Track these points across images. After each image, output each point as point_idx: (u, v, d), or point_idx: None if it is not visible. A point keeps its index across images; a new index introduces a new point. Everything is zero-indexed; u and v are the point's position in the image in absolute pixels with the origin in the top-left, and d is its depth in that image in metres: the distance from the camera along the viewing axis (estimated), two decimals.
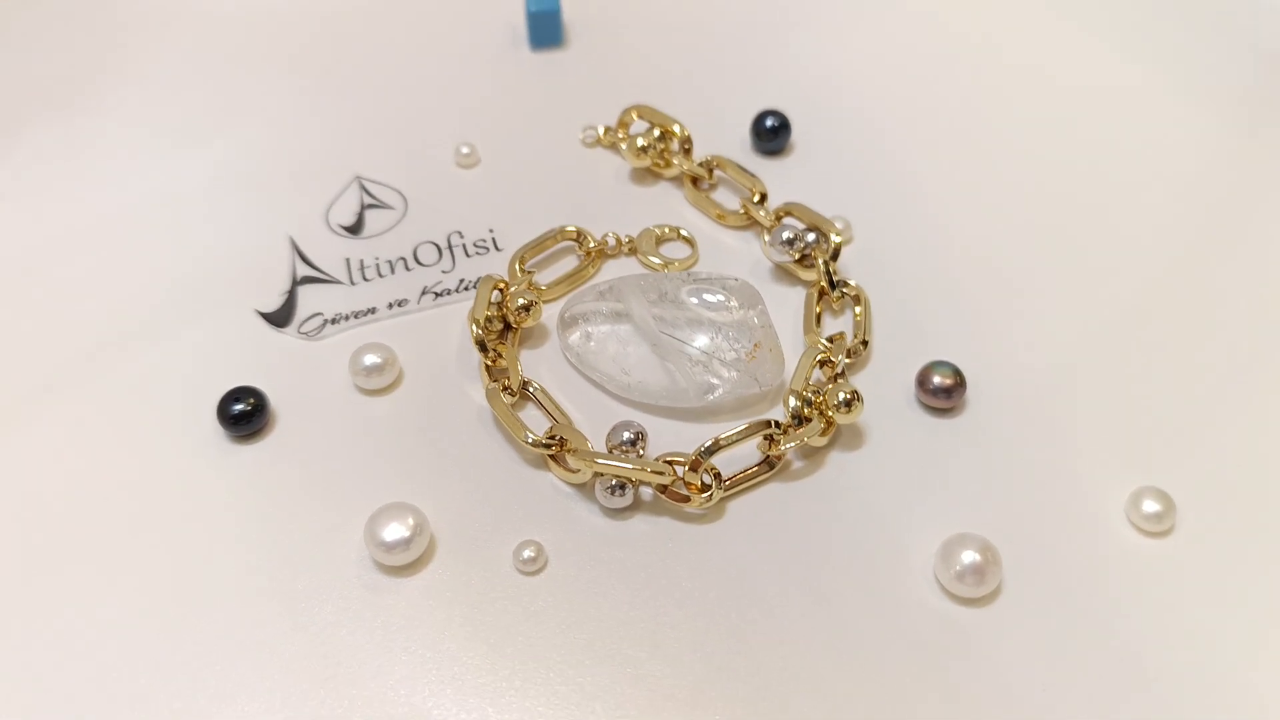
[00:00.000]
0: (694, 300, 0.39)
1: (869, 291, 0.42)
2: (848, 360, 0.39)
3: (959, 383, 0.39)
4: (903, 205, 0.45)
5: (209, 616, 0.34)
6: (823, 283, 0.41)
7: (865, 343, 0.40)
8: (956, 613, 0.34)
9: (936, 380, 0.39)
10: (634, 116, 0.46)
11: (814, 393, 0.37)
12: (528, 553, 0.35)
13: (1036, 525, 0.36)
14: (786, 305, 0.42)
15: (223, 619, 0.34)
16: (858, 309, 0.41)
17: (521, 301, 0.40)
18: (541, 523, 0.36)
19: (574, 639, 0.34)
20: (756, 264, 0.43)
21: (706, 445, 0.36)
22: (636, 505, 0.37)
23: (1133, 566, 0.35)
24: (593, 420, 0.38)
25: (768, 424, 0.37)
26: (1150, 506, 0.36)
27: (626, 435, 0.37)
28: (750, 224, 0.44)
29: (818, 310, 0.41)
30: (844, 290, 0.41)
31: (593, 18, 0.54)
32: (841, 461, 0.38)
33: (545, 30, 0.51)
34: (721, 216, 0.45)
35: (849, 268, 0.43)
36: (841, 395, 0.37)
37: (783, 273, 0.43)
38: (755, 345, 0.39)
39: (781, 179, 0.46)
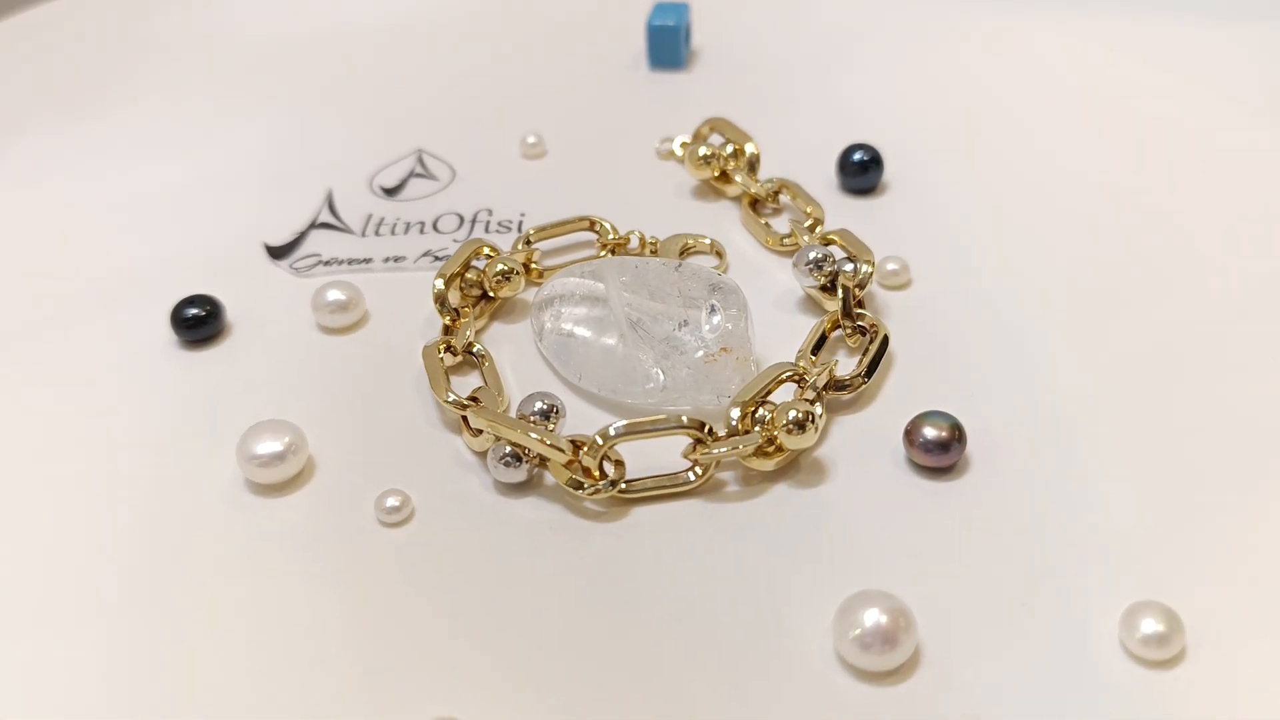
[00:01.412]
0: (673, 291, 0.35)
1: (906, 340, 0.36)
2: (838, 393, 0.34)
3: (955, 438, 0.32)
4: (980, 259, 0.39)
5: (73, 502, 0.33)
6: (839, 312, 0.36)
7: (863, 378, 0.34)
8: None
9: (928, 433, 0.32)
10: (709, 130, 0.43)
11: (768, 407, 0.32)
12: (391, 501, 0.31)
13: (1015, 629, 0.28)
14: (801, 336, 0.36)
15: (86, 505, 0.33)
16: (871, 345, 0.35)
17: (500, 268, 0.37)
18: (428, 483, 0.32)
19: (397, 599, 0.30)
20: (787, 292, 0.38)
21: (617, 425, 0.31)
22: (533, 486, 0.32)
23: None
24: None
25: (700, 425, 0.31)
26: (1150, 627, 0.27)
27: (539, 405, 0.32)
28: (796, 250, 0.39)
29: (820, 335, 0.35)
30: (860, 323, 0.36)
31: (720, 47, 0.52)
32: (788, 498, 0.32)
33: (665, 48, 0.49)
34: (769, 241, 0.40)
35: (896, 311, 0.37)
36: (793, 414, 0.31)
37: (812, 305, 0.38)
38: (722, 350, 0.33)
39: (864, 218, 0.41)
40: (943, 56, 0.51)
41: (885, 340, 0.35)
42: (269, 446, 0.32)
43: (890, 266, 0.38)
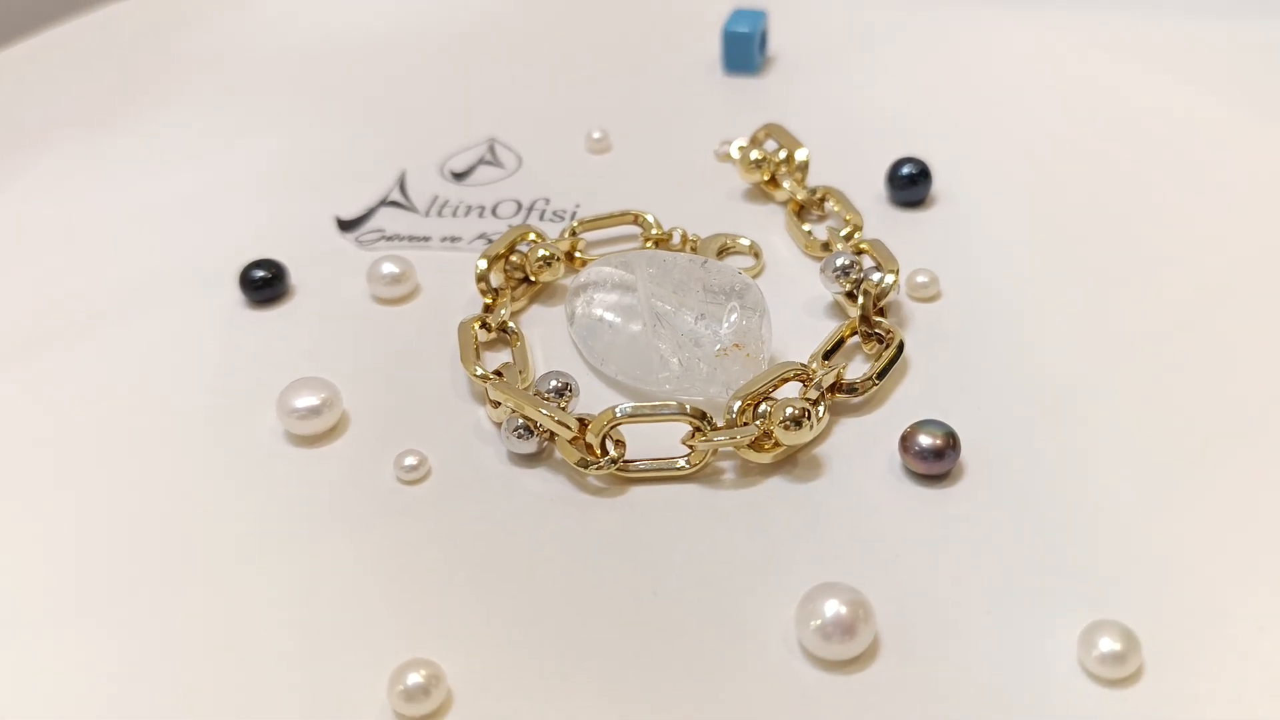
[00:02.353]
0: (697, 286, 0.36)
1: (925, 350, 0.37)
2: (846, 395, 0.35)
3: (950, 446, 0.33)
4: (1014, 278, 0.40)
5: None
6: (857, 319, 0.37)
7: (873, 381, 0.35)
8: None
9: (923, 441, 0.33)
10: (764, 135, 0.44)
11: (770, 403, 0.33)
12: (409, 460, 0.34)
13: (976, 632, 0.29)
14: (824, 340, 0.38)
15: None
16: (885, 352, 0.36)
17: (542, 253, 0.39)
18: (447, 447, 0.35)
19: (404, 549, 0.32)
20: (817, 297, 0.39)
21: (622, 408, 0.33)
22: (543, 459, 0.34)
23: None
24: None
25: (701, 415, 0.33)
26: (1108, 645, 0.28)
27: (554, 383, 0.34)
28: None
29: (838, 340, 0.36)
30: (877, 330, 0.37)
31: (796, 55, 0.53)
32: (780, 491, 0.33)
33: (739, 54, 0.50)
34: (808, 247, 0.41)
35: (921, 322, 0.38)
36: (790, 410, 0.32)
37: (840, 311, 0.39)
38: (735, 345, 0.35)
39: (909, 231, 0.42)
40: (1009, 75, 0.51)
41: (899, 348, 0.36)
42: (306, 401, 0.35)
43: (920, 279, 0.39)
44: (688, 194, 0.45)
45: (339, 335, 0.39)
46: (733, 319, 0.35)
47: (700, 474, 0.34)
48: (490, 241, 0.42)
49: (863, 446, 0.34)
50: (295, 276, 0.41)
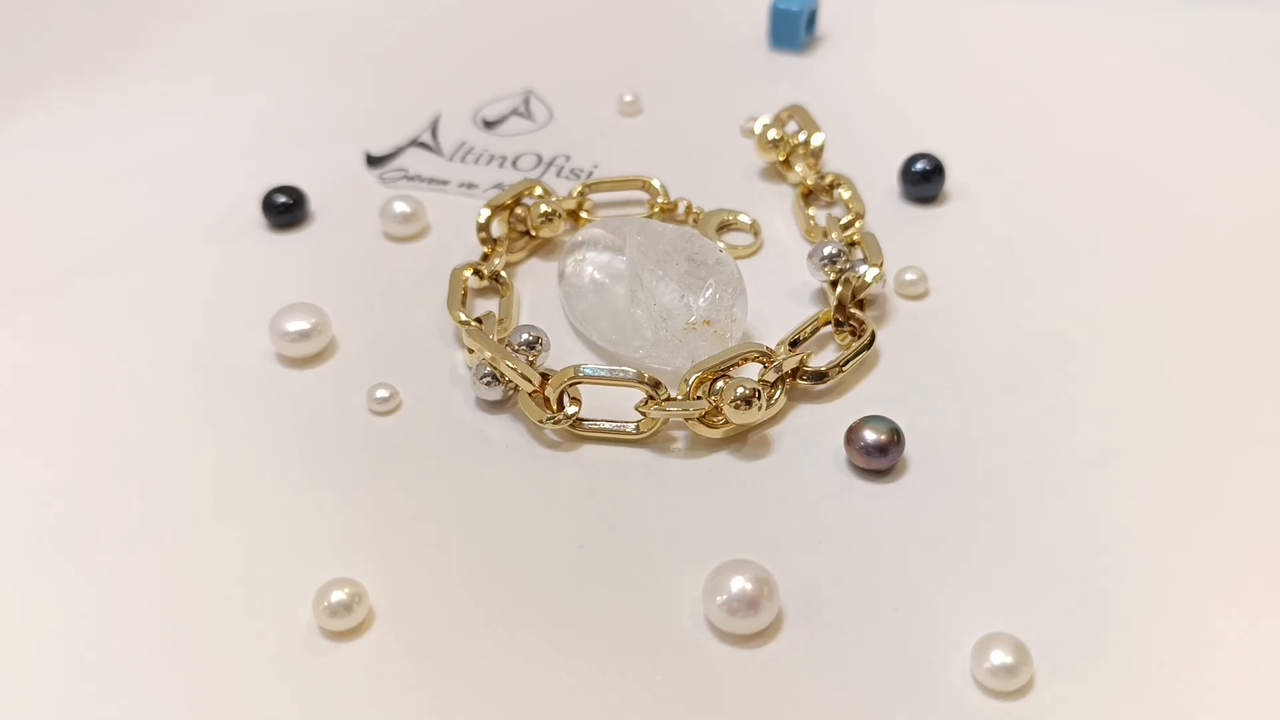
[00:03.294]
0: (681, 259, 0.37)
1: (901, 346, 0.37)
2: (813, 383, 0.36)
3: (894, 442, 0.33)
4: (1006, 280, 0.40)
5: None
6: (832, 308, 0.38)
7: (837, 369, 0.36)
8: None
9: (868, 436, 0.34)
10: (787, 116, 0.45)
11: (726, 380, 0.34)
12: (381, 393, 0.36)
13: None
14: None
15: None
16: (854, 343, 0.37)
17: (545, 209, 0.40)
18: (421, 385, 0.37)
19: (360, 473, 0.34)
20: (805, 284, 0.40)
21: (582, 368, 0.34)
22: (507, 407, 0.36)
23: None
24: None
25: (655, 384, 0.34)
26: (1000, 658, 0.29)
27: (525, 336, 0.36)
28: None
29: (813, 328, 0.37)
30: (851, 323, 0.37)
31: (843, 38, 0.53)
32: (725, 466, 0.34)
33: (785, 31, 0.51)
34: (809, 232, 0.42)
35: (903, 318, 0.39)
36: (741, 390, 0.33)
37: (824, 299, 0.39)
38: (705, 321, 0.36)
39: (916, 226, 0.42)
40: (1050, 78, 0.50)
41: (869, 340, 0.37)
42: (297, 325, 0.37)
43: (909, 276, 0.39)
44: (706, 166, 0.45)
45: (343, 266, 0.41)
46: (707, 294, 0.36)
47: (651, 440, 0.35)
48: (501, 191, 0.44)
49: (815, 434, 0.35)
50: (316, 204, 0.43)
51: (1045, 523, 0.32)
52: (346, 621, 0.30)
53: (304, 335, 0.37)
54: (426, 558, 0.32)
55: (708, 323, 0.36)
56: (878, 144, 0.46)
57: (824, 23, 0.53)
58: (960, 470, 0.34)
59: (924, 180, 0.43)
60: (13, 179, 0.47)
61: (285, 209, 0.42)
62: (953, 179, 0.44)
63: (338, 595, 0.30)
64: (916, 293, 0.40)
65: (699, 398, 0.34)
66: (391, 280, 0.41)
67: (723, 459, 0.35)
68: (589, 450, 0.35)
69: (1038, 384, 0.36)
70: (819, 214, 0.43)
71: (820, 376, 0.36)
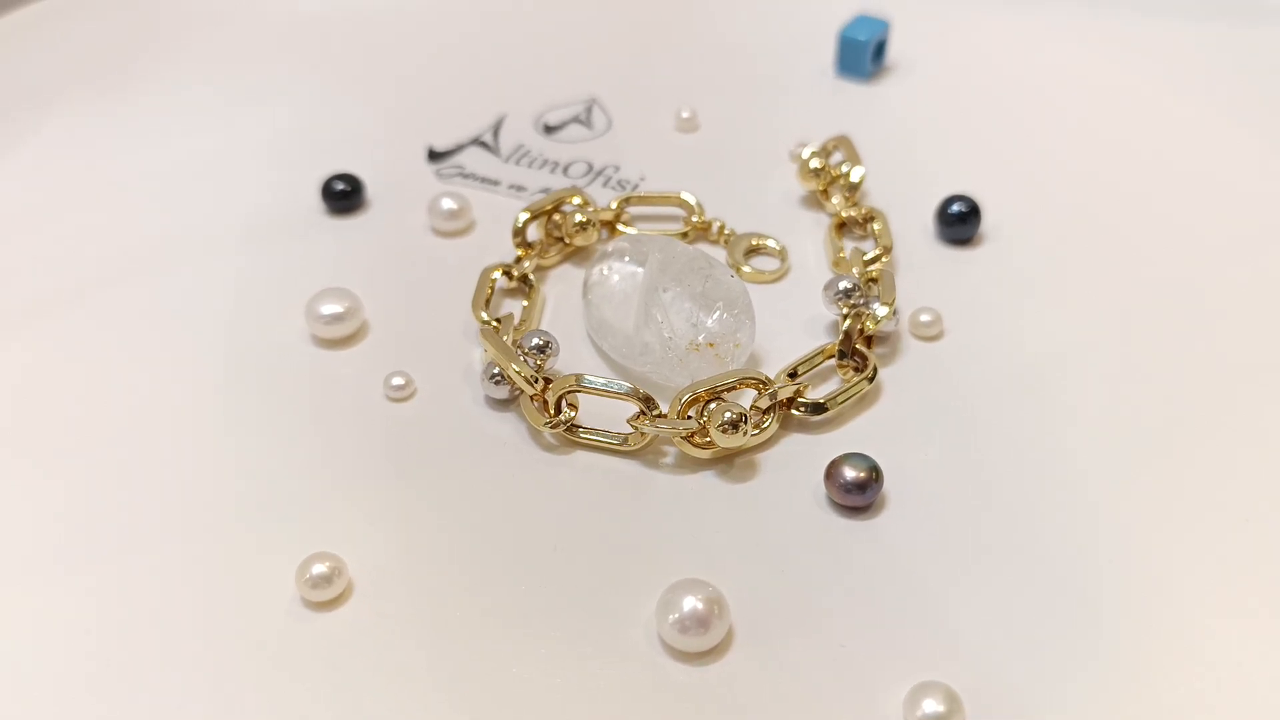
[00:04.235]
0: (697, 280, 0.38)
1: (908, 387, 0.38)
2: (813, 415, 0.36)
3: (872, 480, 0.34)
4: (1027, 328, 0.40)
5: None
6: (837, 342, 0.38)
7: (832, 403, 0.37)
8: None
9: (847, 474, 0.34)
10: (833, 146, 0.46)
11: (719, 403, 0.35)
12: (397, 380, 0.38)
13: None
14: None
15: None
16: (856, 378, 0.37)
17: (580, 218, 0.42)
18: (437, 377, 0.39)
19: (363, 452, 0.36)
20: (822, 315, 0.41)
21: (582, 377, 0.36)
22: (513, 406, 0.38)
23: None
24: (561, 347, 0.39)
25: (648, 400, 0.35)
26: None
27: (536, 341, 0.38)
28: None
29: (813, 360, 0.38)
30: (854, 361, 0.38)
31: (911, 70, 0.53)
32: (708, 487, 0.35)
33: (852, 59, 0.51)
34: (836, 263, 0.43)
35: (915, 359, 0.39)
36: (728, 414, 0.35)
37: (836, 332, 0.40)
38: (709, 344, 0.37)
39: (941, 267, 0.43)
40: (1113, 124, 0.50)
41: (870, 377, 0.37)
42: (330, 308, 0.40)
43: (924, 317, 0.40)
44: (750, 187, 0.46)
45: (387, 255, 0.44)
46: (715, 317, 0.37)
47: (642, 453, 0.36)
48: (543, 196, 0.45)
49: (803, 464, 0.36)
50: (374, 194, 0.46)
51: (1011, 580, 0.33)
52: (328, 592, 0.32)
53: (337, 318, 0.40)
54: (410, 535, 0.34)
55: (711, 345, 0.37)
56: (927, 179, 0.46)
57: (895, 51, 0.53)
58: (938, 516, 0.34)
59: (959, 222, 0.43)
60: (37, 190, 0.48)
61: (342, 195, 0.45)
62: (993, 222, 0.44)
63: (319, 568, 0.32)
64: (931, 334, 0.40)
65: (689, 417, 0.35)
66: (430, 273, 0.43)
67: (707, 479, 0.36)
68: (582, 456, 0.36)
69: (1037, 440, 0.36)
70: (852, 246, 0.43)
71: (819, 408, 0.37)
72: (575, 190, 0.43)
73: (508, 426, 0.37)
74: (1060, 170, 0.47)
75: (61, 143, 0.51)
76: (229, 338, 0.40)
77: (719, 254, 0.43)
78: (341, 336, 0.40)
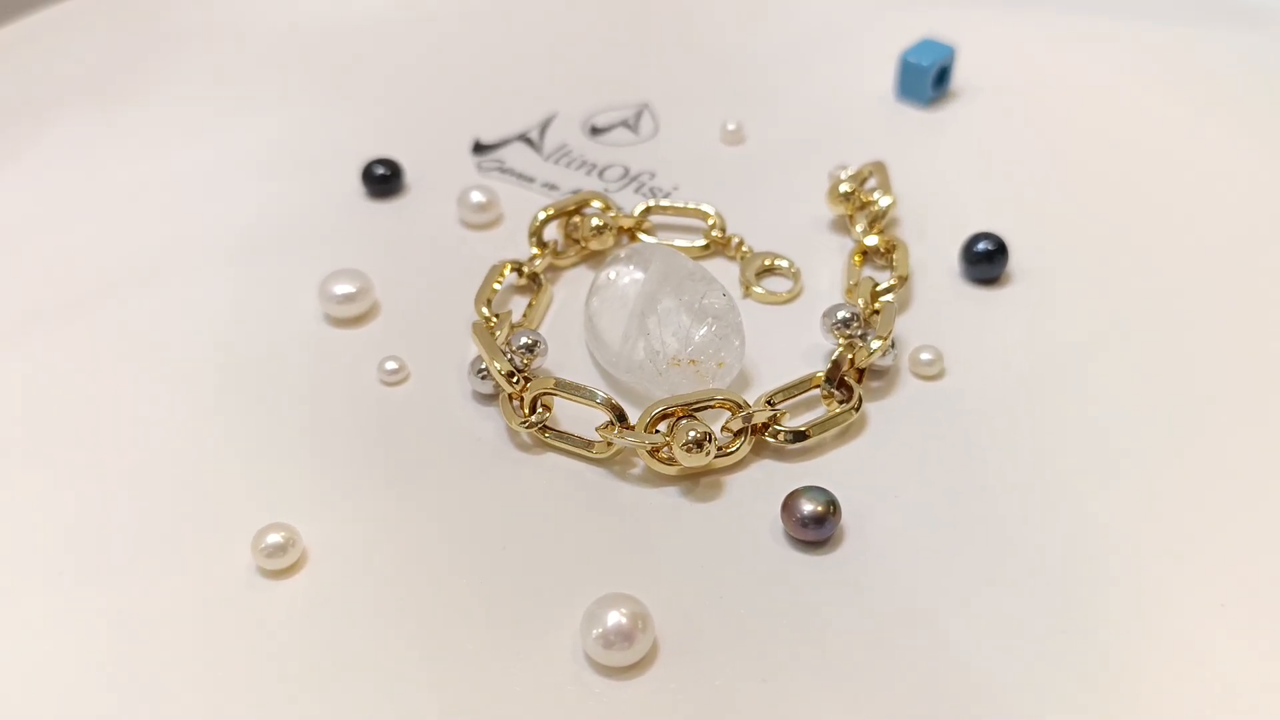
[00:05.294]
0: (695, 296, 0.38)
1: (897, 425, 0.37)
2: (793, 444, 0.36)
3: (830, 514, 0.34)
4: (1033, 375, 0.39)
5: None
6: (824, 372, 0.38)
7: (809, 433, 0.36)
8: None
9: (805, 508, 0.34)
10: (869, 172, 0.45)
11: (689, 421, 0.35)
12: (391, 365, 0.39)
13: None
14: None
15: None
16: (839, 410, 0.37)
17: (597, 222, 0.43)
18: (431, 366, 0.40)
19: (346, 430, 0.38)
20: (821, 343, 0.40)
21: (557, 379, 0.36)
22: (496, 402, 0.38)
23: None
24: (555, 353, 0.40)
25: (616, 408, 0.36)
26: None
27: (524, 340, 0.38)
28: None
29: (802, 388, 0.37)
30: (840, 392, 0.37)
31: (973, 101, 0.52)
32: (668, 504, 0.35)
33: (912, 84, 0.50)
34: (849, 291, 0.42)
35: (909, 398, 0.38)
36: (692, 433, 0.35)
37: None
38: (691, 361, 0.37)
39: (959, 305, 0.42)
40: (1164, 167, 0.48)
41: (854, 407, 0.37)
42: (343, 288, 0.41)
43: (924, 356, 0.39)
44: (782, 206, 0.46)
45: (412, 242, 0.45)
46: (701, 333, 0.37)
47: (611, 461, 0.37)
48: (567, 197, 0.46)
49: (770, 491, 0.35)
50: (413, 180, 0.47)
51: (959, 634, 0.32)
52: (282, 561, 0.34)
53: (348, 298, 0.41)
54: (369, 512, 0.35)
55: (693, 362, 0.37)
56: (967, 213, 0.45)
57: (960, 78, 0.52)
58: (895, 559, 0.34)
59: (984, 261, 0.42)
60: (35, 200, 0.49)
61: (381, 180, 0.46)
62: (1024, 263, 0.43)
63: (273, 538, 0.34)
64: (930, 373, 0.39)
65: (657, 431, 0.36)
66: (450, 263, 0.44)
67: (670, 494, 0.36)
68: (552, 459, 0.37)
69: (1017, 496, 0.35)
70: (872, 275, 0.43)
71: (798, 436, 0.37)
72: (598, 194, 0.43)
73: (490, 422, 0.38)
74: (1104, 221, 0.45)
75: (66, 151, 0.51)
76: (238, 321, 0.42)
77: (734, 270, 0.43)
78: (351, 316, 0.41)
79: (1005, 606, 0.32)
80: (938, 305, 0.42)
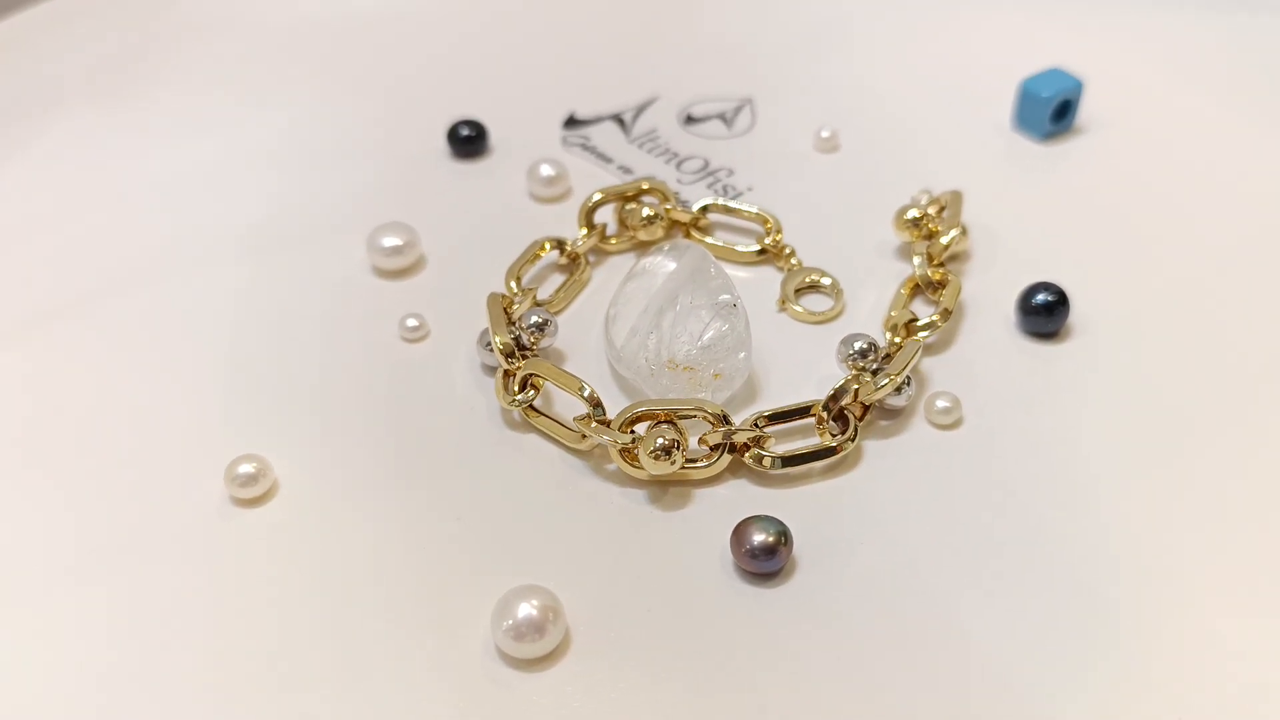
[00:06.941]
0: (709, 301, 0.37)
1: (896, 469, 0.35)
2: (765, 466, 0.35)
3: (780, 544, 0.32)
4: (1059, 430, 0.36)
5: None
6: (822, 403, 0.36)
7: (795, 461, 0.35)
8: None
9: (756, 538, 0.33)
10: (947, 201, 0.42)
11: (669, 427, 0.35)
12: (411, 322, 0.40)
13: None
14: None
15: None
16: (829, 444, 0.35)
17: (648, 212, 0.42)
18: (453, 330, 0.40)
19: (347, 376, 0.39)
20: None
21: (548, 362, 0.37)
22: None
23: None
24: (574, 337, 0.40)
25: (595, 402, 0.35)
26: None
27: (535, 319, 0.38)
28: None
29: (799, 415, 0.36)
30: (837, 428, 0.36)
31: (1096, 141, 0.48)
32: (636, 505, 0.35)
33: (1030, 114, 0.47)
34: (887, 321, 0.40)
35: (920, 444, 0.36)
36: (661, 440, 0.34)
37: None
38: (686, 367, 0.36)
39: (1016, 357, 0.39)
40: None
41: (846, 441, 0.35)
42: (391, 240, 0.42)
43: (940, 403, 0.37)
44: (852, 222, 0.44)
45: (477, 206, 0.46)
46: (709, 336, 0.36)
47: (590, 455, 0.36)
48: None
49: (737, 511, 0.34)
50: (498, 144, 0.48)
51: (876, 693, 0.30)
52: (254, 490, 0.35)
53: (395, 251, 0.42)
54: (345, 454, 0.36)
55: (688, 368, 0.36)
56: (1052, 260, 0.42)
57: (1086, 113, 0.48)
58: (839, 603, 0.32)
59: (1041, 313, 0.39)
60: (39, 196, 0.48)
61: (466, 140, 0.47)
62: (1089, 320, 0.40)
63: (245, 468, 0.35)
64: (945, 421, 0.37)
65: (631, 432, 0.35)
66: (507, 232, 0.44)
67: (636, 498, 0.35)
68: (535, 443, 0.37)
69: (1001, 577, 0.33)
70: (920, 309, 0.41)
71: (781, 462, 0.35)
72: (656, 184, 0.43)
73: (486, 395, 0.38)
74: (1198, 294, 0.41)
75: (68, 147, 0.51)
76: (290, 265, 0.43)
77: (779, 281, 0.42)
78: (396, 269, 0.42)
79: (929, 678, 0.30)
80: (979, 352, 0.39)
